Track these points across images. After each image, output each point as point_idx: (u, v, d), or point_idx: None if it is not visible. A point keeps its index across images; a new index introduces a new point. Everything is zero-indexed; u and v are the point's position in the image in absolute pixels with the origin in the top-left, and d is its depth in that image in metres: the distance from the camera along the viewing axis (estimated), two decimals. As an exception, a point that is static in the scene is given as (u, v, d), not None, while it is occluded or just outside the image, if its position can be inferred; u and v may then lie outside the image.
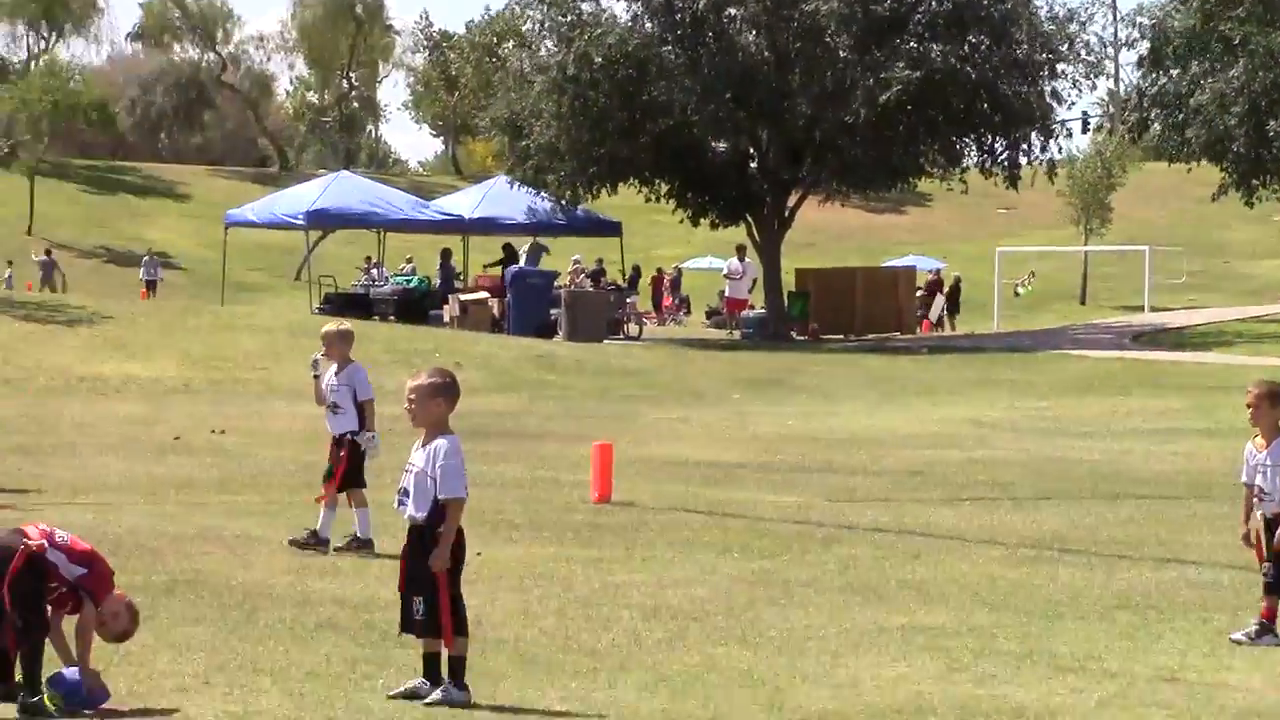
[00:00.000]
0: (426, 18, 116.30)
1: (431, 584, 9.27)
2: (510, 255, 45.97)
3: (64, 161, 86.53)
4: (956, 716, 9.87)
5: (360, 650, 10.62)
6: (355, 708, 9.26)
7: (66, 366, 33.38)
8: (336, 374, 14.49)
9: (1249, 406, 11.37)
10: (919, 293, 54.57)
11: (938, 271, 61.89)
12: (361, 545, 14.10)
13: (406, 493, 9.14)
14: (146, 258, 63.02)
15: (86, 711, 8.93)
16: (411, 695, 9.28)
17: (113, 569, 9.47)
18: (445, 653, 9.48)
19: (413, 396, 9.19)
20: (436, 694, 9.31)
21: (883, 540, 17.55)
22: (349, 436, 14.35)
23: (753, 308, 48.60)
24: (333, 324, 15.99)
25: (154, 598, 11.74)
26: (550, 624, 12.53)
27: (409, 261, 52.70)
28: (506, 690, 10.10)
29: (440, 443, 9.25)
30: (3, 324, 36.25)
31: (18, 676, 8.66)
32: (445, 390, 9.30)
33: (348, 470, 14.34)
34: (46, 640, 8.58)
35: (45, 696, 8.53)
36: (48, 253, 62.00)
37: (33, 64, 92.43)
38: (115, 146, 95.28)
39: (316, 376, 14.43)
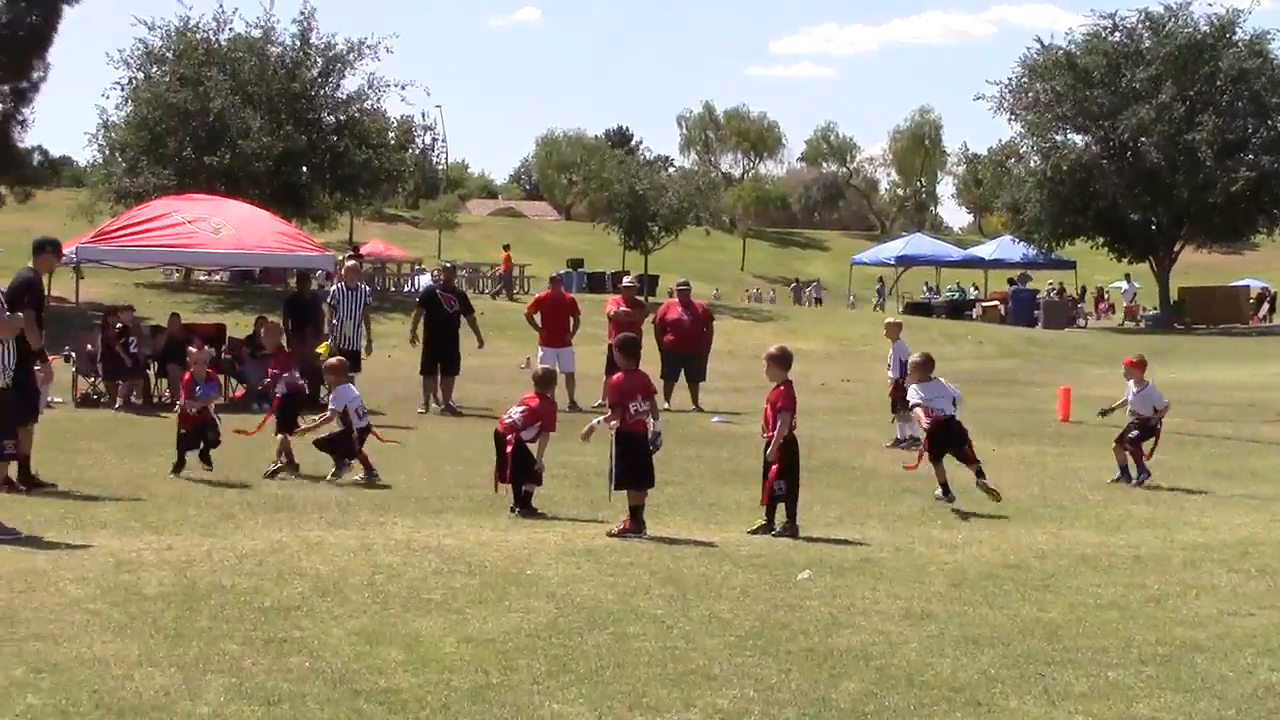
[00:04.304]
0: (966, 145, 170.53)
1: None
2: (1013, 281, 66.30)
3: (761, 229, 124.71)
4: (1275, 548, 13.17)
5: (925, 503, 15.20)
6: (923, 538, 13.10)
7: (762, 343, 41.98)
8: (893, 346, 22.12)
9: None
10: (1251, 300, 74.12)
11: (1263, 288, 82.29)
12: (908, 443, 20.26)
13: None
14: (796, 281, 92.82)
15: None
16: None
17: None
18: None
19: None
20: None
21: (1230, 444, 22.69)
22: (895, 380, 21.43)
23: (1144, 309, 68.31)
24: (891, 318, 24.61)
25: (812, 474, 15.50)
26: (1034, 490, 16.97)
27: (957, 285, 75.01)
28: (1009, 529, 13.96)
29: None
30: (729, 320, 51.24)
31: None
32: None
33: (896, 397, 20.89)
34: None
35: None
36: (796, 280, 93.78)
37: (745, 175, 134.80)
38: (790, 220, 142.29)
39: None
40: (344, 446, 16.72)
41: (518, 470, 14.54)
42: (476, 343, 26.57)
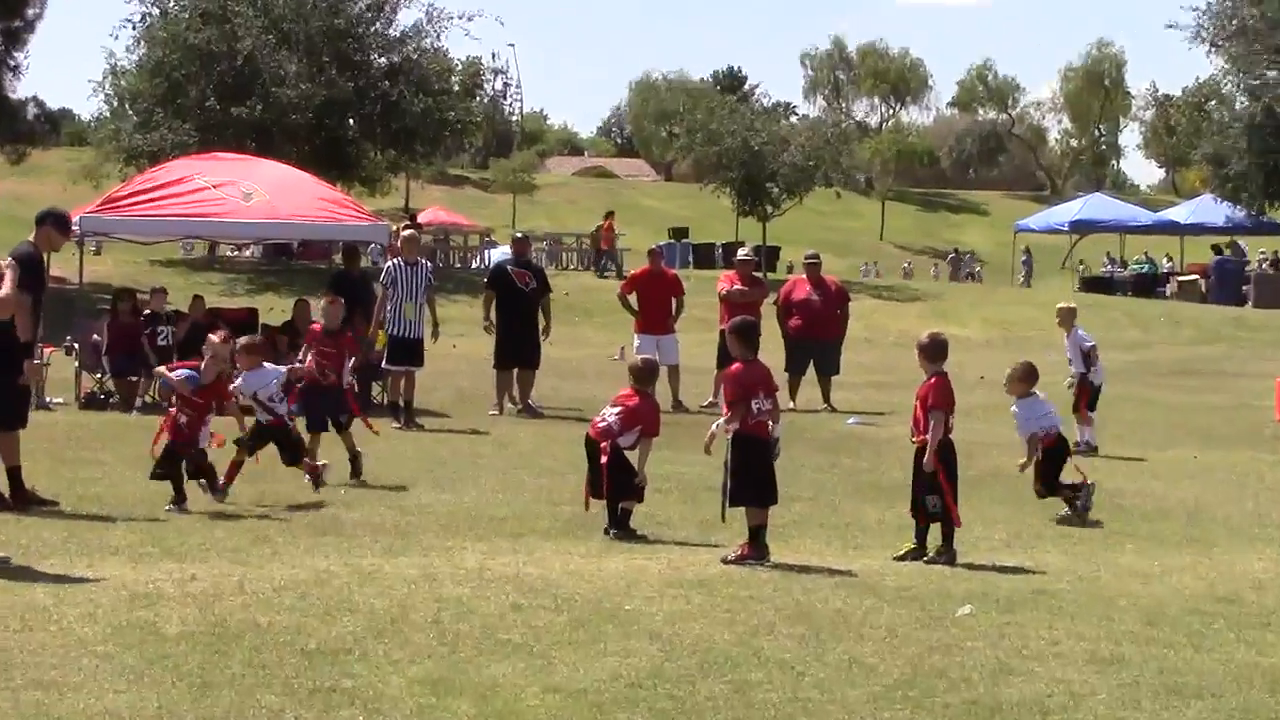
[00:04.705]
0: (1154, 85, 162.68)
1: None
2: (1218, 250, 65.71)
3: (904, 189, 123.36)
4: None
5: (1113, 523, 15.54)
6: (1110, 565, 13.27)
7: (907, 329, 47.32)
8: (1068, 336, 22.52)
9: None
10: None
11: None
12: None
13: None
14: (955, 251, 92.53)
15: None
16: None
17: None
18: None
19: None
20: None
21: None
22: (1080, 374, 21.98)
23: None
24: (1063, 303, 24.17)
25: (972, 487, 15.79)
26: (1248, 506, 17.34)
27: (1145, 254, 74.51)
28: (1216, 554, 14.27)
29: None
30: (866, 300, 51.60)
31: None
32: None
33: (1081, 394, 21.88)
34: None
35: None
36: (955, 251, 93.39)
37: (883, 125, 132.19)
38: (938, 179, 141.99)
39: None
40: (285, 440, 16.61)
41: (614, 484, 14.52)
42: (543, 330, 26.40)
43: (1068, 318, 22.72)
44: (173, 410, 16.19)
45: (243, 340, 17.18)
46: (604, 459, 14.51)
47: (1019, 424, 16.60)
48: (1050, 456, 16.37)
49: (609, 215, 66.60)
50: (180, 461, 15.81)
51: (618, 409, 14.73)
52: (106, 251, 52.78)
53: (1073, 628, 11.04)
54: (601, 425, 14.68)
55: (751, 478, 13.37)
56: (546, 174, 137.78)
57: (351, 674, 9.40)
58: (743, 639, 10.50)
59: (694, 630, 10.70)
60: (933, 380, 13.79)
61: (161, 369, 17.50)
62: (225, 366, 16.54)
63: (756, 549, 13.29)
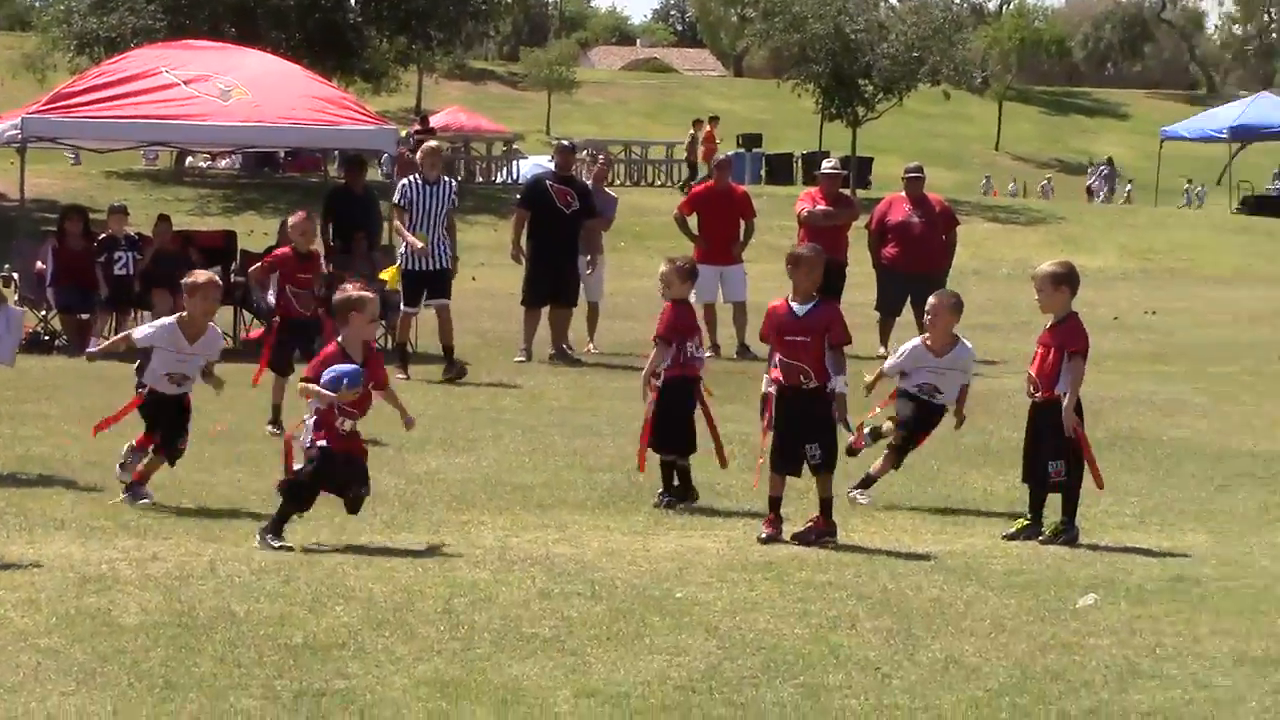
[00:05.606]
0: None
1: None
2: None
3: (1026, 88, 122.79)
4: None
5: (1271, 496, 15.52)
6: (1267, 547, 13.21)
7: (1024, 258, 46.88)
8: None
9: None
10: None
11: None
12: None
13: None
14: (1105, 163, 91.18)
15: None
16: None
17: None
18: None
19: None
20: None
21: None
22: None
23: None
24: None
25: (1101, 450, 15.29)
26: None
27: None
28: None
29: None
30: (976, 224, 51.12)
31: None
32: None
33: None
34: None
35: None
36: (1109, 163, 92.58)
37: (1004, 9, 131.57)
38: (1069, 75, 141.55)
39: None
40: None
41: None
42: (588, 262, 26.33)
43: None
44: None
45: (197, 279, 14.95)
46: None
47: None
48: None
49: (713, 120, 65.65)
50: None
51: (695, 338, 15.18)
52: (50, 161, 52.86)
53: (1217, 623, 11.02)
54: (701, 366, 15.05)
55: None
56: (590, 68, 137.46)
57: (345, 674, 9.47)
58: (817, 634, 10.54)
59: (759, 623, 10.76)
60: (1064, 323, 13.65)
61: (310, 385, 12.90)
62: (207, 305, 14.80)
63: (831, 523, 13.37)
